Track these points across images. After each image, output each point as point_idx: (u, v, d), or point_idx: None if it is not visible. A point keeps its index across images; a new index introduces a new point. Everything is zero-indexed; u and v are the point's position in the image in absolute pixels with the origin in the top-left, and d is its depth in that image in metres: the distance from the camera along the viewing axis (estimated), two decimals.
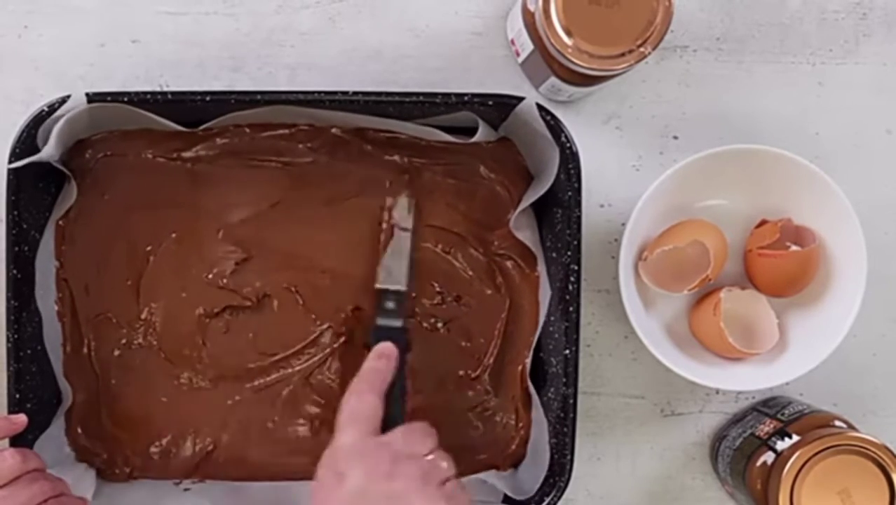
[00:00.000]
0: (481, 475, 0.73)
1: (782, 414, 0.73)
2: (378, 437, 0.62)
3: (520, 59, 0.75)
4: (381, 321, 0.70)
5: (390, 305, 0.70)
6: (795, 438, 0.69)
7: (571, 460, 0.68)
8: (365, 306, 0.74)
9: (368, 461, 0.60)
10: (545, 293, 0.73)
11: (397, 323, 0.69)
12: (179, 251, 0.73)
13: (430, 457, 0.62)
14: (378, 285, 0.70)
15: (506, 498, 0.70)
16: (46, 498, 0.63)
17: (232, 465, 0.74)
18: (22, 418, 0.65)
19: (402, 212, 0.72)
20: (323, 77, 0.76)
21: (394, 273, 0.71)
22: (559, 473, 0.69)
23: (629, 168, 0.77)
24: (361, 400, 0.62)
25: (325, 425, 0.74)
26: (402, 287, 0.70)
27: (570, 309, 0.68)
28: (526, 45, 0.71)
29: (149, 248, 0.73)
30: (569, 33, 0.65)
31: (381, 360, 0.65)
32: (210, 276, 0.73)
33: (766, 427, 0.72)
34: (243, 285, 0.74)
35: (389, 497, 0.59)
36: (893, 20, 0.78)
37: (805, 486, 0.66)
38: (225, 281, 0.73)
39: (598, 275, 0.77)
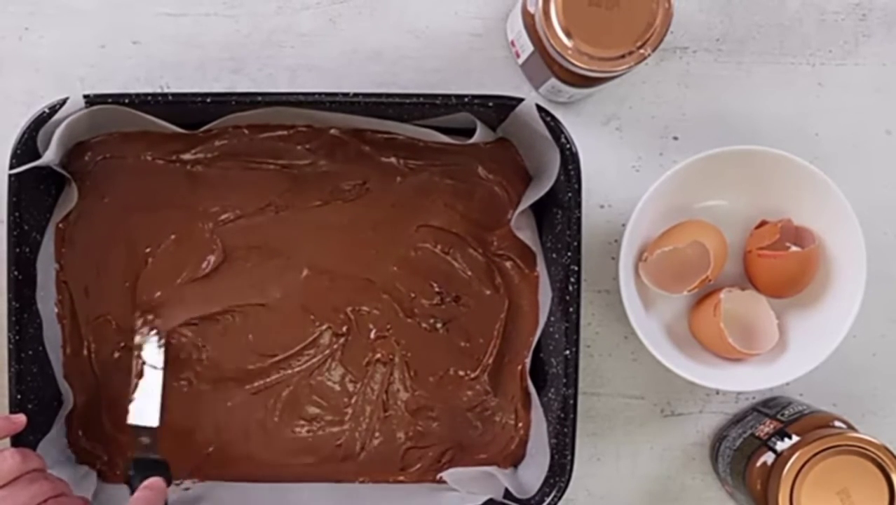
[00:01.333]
0: (484, 468, 0.74)
1: (782, 414, 0.73)
2: None
3: (520, 61, 0.75)
4: (139, 455, 0.70)
5: (145, 440, 0.70)
6: (795, 438, 0.69)
7: (572, 460, 0.68)
8: (365, 307, 0.74)
9: None
10: (545, 294, 0.73)
11: (155, 456, 0.70)
12: (178, 253, 0.73)
13: None
14: (130, 422, 0.71)
15: (507, 496, 0.70)
16: (46, 498, 0.63)
17: (232, 465, 0.74)
18: (21, 418, 0.65)
19: (151, 350, 0.72)
20: (323, 78, 0.76)
21: (147, 411, 0.71)
22: (559, 473, 0.69)
23: (629, 169, 0.77)
24: None
25: (325, 426, 0.75)
26: (154, 423, 0.71)
27: (571, 310, 0.68)
28: (526, 47, 0.71)
29: (147, 249, 0.73)
30: (569, 35, 0.65)
31: (151, 490, 0.67)
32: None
33: (766, 427, 0.72)
34: (242, 287, 0.74)
35: None
36: (893, 21, 0.78)
37: (805, 486, 0.66)
38: (223, 283, 0.74)
39: (598, 275, 0.77)
